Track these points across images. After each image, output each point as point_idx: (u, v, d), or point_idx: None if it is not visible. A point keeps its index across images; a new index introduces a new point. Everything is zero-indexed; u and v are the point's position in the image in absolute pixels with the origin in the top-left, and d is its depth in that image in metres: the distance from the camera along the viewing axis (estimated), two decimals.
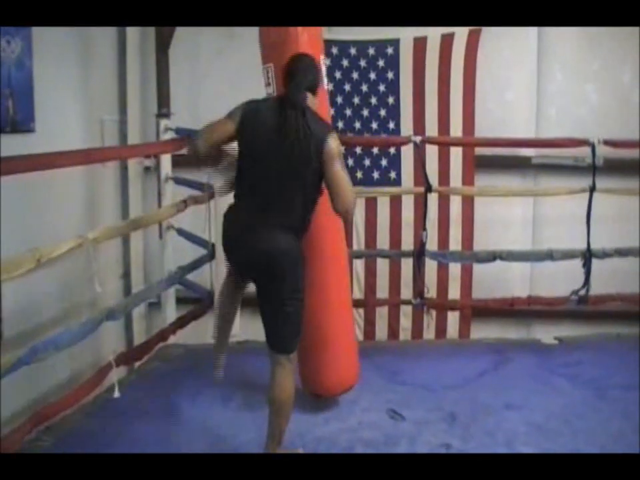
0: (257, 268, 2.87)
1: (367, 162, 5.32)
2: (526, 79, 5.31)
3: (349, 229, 4.89)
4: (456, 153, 5.21)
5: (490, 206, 5.16)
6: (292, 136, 2.75)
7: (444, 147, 5.09)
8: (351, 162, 5.23)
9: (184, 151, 3.98)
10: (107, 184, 5.09)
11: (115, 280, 5.22)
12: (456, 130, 5.21)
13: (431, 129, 5.19)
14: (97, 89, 4.94)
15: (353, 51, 5.21)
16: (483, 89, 5.22)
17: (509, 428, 3.37)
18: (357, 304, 5.10)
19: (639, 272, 4.63)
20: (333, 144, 2.79)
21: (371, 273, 5.35)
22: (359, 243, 5.35)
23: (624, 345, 4.48)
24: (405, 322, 5.36)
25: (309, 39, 3.28)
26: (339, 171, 2.79)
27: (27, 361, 2.92)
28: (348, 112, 5.27)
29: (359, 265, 5.30)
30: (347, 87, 5.26)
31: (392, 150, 5.25)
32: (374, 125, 5.27)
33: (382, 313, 5.34)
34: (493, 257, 4.60)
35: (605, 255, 4.56)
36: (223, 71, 5.22)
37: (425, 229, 4.49)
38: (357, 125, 5.28)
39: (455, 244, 5.29)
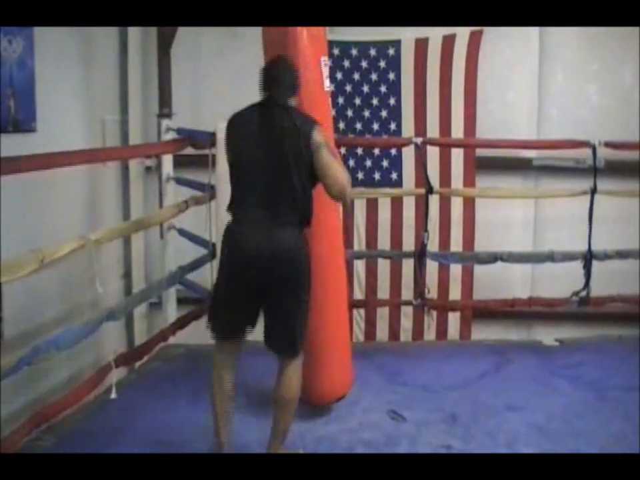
0: (268, 267, 2.82)
1: (368, 163, 5.31)
2: (527, 80, 5.31)
3: (348, 226, 4.89)
4: (457, 154, 5.21)
5: (491, 207, 5.15)
6: (280, 133, 2.81)
7: (445, 148, 5.09)
8: (352, 163, 5.23)
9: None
10: (108, 184, 5.08)
11: (115, 280, 5.21)
12: (457, 131, 5.20)
13: (432, 130, 5.19)
14: (99, 89, 4.94)
15: (354, 51, 5.21)
16: (484, 90, 5.22)
17: (509, 429, 3.37)
18: (357, 304, 5.12)
19: None
20: (319, 135, 2.85)
21: (371, 273, 5.34)
22: (360, 243, 5.33)
23: (624, 346, 4.48)
24: (406, 323, 5.35)
25: (313, 39, 3.28)
26: (326, 157, 2.84)
27: (29, 361, 2.93)
28: (349, 113, 5.27)
29: (360, 265, 5.30)
30: (348, 88, 5.25)
31: (393, 151, 5.24)
32: (375, 126, 5.27)
33: (383, 314, 5.33)
34: (493, 258, 4.60)
35: (605, 256, 4.57)
36: (224, 71, 5.21)
37: (426, 230, 4.50)
38: (358, 125, 5.28)
39: (456, 245, 5.29)
